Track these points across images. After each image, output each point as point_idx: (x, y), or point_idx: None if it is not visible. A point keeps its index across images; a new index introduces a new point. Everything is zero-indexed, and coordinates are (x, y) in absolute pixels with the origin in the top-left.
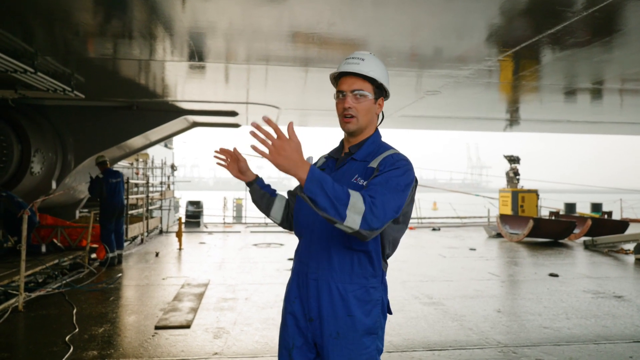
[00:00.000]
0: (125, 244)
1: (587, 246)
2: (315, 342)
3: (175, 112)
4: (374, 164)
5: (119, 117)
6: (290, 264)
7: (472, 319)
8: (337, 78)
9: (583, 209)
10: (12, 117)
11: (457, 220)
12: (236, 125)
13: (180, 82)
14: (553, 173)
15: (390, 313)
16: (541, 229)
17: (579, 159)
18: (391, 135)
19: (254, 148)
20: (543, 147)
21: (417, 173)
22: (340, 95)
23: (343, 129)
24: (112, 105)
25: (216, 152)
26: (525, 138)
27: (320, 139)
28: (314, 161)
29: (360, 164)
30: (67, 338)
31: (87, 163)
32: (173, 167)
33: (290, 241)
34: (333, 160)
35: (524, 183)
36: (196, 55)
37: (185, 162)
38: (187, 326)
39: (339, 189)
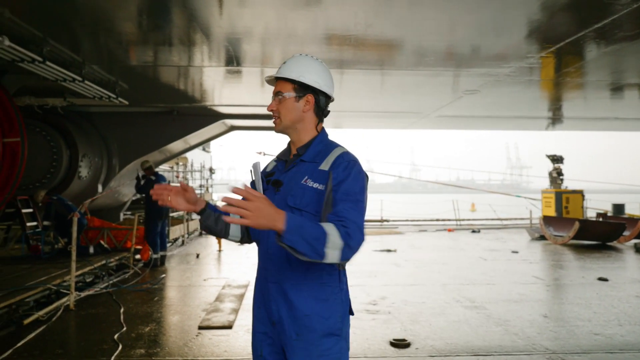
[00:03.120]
0: (167, 245)
1: (638, 249)
2: (282, 346)
3: (214, 116)
4: (325, 166)
5: (160, 122)
6: None
7: (517, 324)
8: None
9: (633, 210)
10: (61, 124)
11: (497, 222)
12: (273, 129)
13: (218, 87)
14: (599, 173)
15: (352, 314)
16: (588, 231)
17: (627, 157)
18: (427, 135)
19: (234, 220)
20: (587, 145)
21: (455, 174)
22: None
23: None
24: (154, 111)
25: (153, 192)
26: (568, 136)
27: (355, 140)
28: (262, 167)
29: (310, 165)
30: (115, 336)
31: (130, 167)
32: (211, 170)
33: None
34: (282, 162)
35: (568, 183)
36: (234, 61)
37: (223, 165)
38: (229, 327)
39: (316, 231)
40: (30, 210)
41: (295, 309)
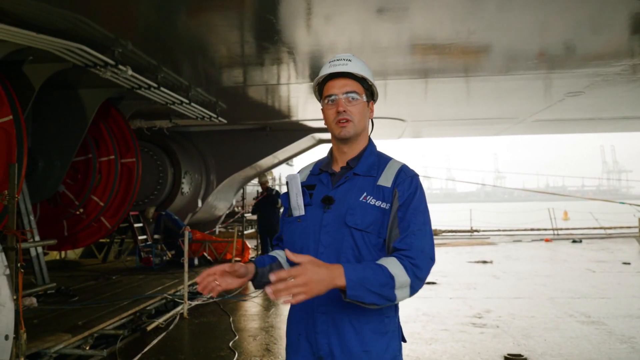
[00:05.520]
0: None
1: None
2: None
3: (303, 130)
4: (386, 182)
5: (253, 138)
6: None
7: None
8: (322, 84)
9: None
10: (166, 144)
11: (600, 231)
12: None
13: (303, 102)
14: None
15: (405, 341)
16: None
17: None
18: (510, 141)
19: (292, 301)
20: None
21: (544, 181)
22: (329, 101)
23: (338, 135)
24: (248, 128)
25: (199, 288)
26: None
27: (434, 149)
28: (300, 179)
29: (366, 180)
30: (230, 344)
31: (226, 182)
32: None
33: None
34: (327, 175)
35: None
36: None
37: None
38: None
39: (380, 276)
40: (141, 224)
41: (352, 345)
